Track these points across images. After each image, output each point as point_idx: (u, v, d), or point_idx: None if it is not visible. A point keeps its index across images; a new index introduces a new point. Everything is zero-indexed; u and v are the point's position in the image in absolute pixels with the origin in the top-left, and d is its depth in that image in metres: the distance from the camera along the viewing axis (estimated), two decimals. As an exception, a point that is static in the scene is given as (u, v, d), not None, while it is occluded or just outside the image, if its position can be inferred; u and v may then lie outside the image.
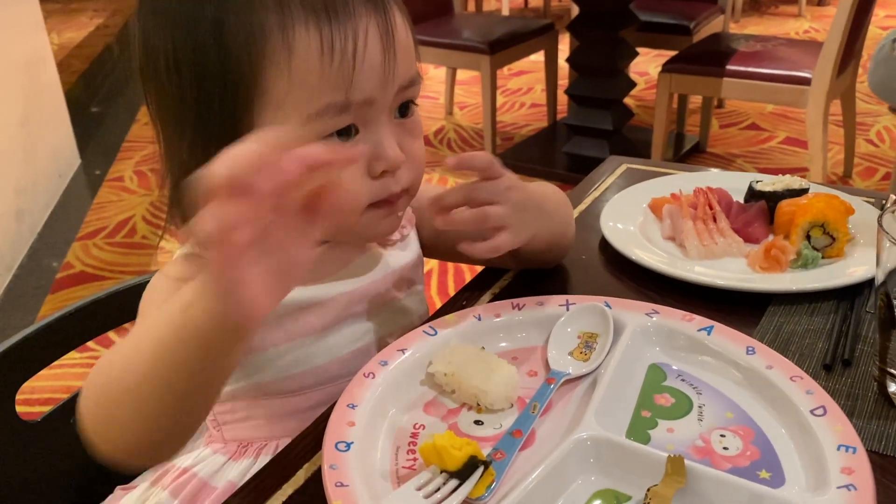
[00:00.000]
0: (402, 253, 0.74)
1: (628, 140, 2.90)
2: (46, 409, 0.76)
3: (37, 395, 1.77)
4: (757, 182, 0.83)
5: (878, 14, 4.65)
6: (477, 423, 0.58)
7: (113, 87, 4.10)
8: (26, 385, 0.72)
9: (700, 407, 0.57)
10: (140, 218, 2.69)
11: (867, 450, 0.54)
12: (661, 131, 2.66)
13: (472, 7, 5.48)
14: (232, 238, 0.39)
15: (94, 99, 3.92)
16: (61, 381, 1.79)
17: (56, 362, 0.76)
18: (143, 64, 0.60)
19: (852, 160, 2.79)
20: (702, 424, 0.56)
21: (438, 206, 0.65)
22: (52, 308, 2.13)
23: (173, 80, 0.58)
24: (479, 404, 0.59)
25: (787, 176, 0.84)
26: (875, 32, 4.32)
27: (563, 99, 3.04)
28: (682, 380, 0.60)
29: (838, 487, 0.47)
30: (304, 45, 0.56)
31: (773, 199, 0.81)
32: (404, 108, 0.63)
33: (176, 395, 0.48)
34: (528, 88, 3.82)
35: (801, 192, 0.81)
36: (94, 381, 0.52)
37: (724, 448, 0.53)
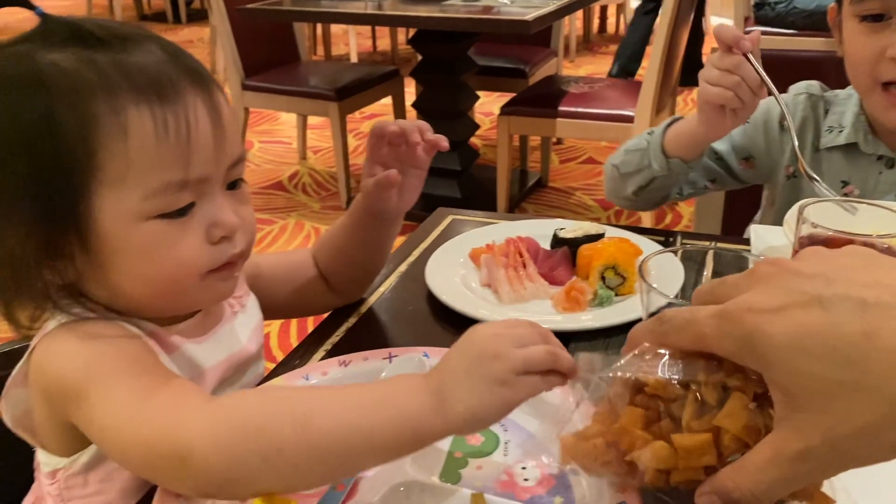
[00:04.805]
0: (249, 319, 0.77)
1: (476, 179, 3.05)
2: None
3: None
4: (560, 230, 0.93)
5: (707, 43, 5.07)
6: (304, 479, 0.61)
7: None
8: None
9: (506, 443, 0.64)
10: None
11: (645, 466, 0.62)
12: (505, 170, 2.82)
13: (321, 52, 5.55)
14: None
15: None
16: None
17: None
18: None
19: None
20: (507, 459, 0.62)
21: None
22: None
23: (4, 170, 0.58)
24: (306, 461, 0.62)
25: (587, 223, 0.94)
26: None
27: (413, 141, 3.14)
28: (491, 419, 0.67)
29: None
30: (138, 127, 0.57)
31: (574, 244, 0.90)
32: (233, 184, 0.66)
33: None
34: (381, 131, 3.90)
35: (598, 236, 0.91)
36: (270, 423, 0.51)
37: (525, 479, 0.60)
